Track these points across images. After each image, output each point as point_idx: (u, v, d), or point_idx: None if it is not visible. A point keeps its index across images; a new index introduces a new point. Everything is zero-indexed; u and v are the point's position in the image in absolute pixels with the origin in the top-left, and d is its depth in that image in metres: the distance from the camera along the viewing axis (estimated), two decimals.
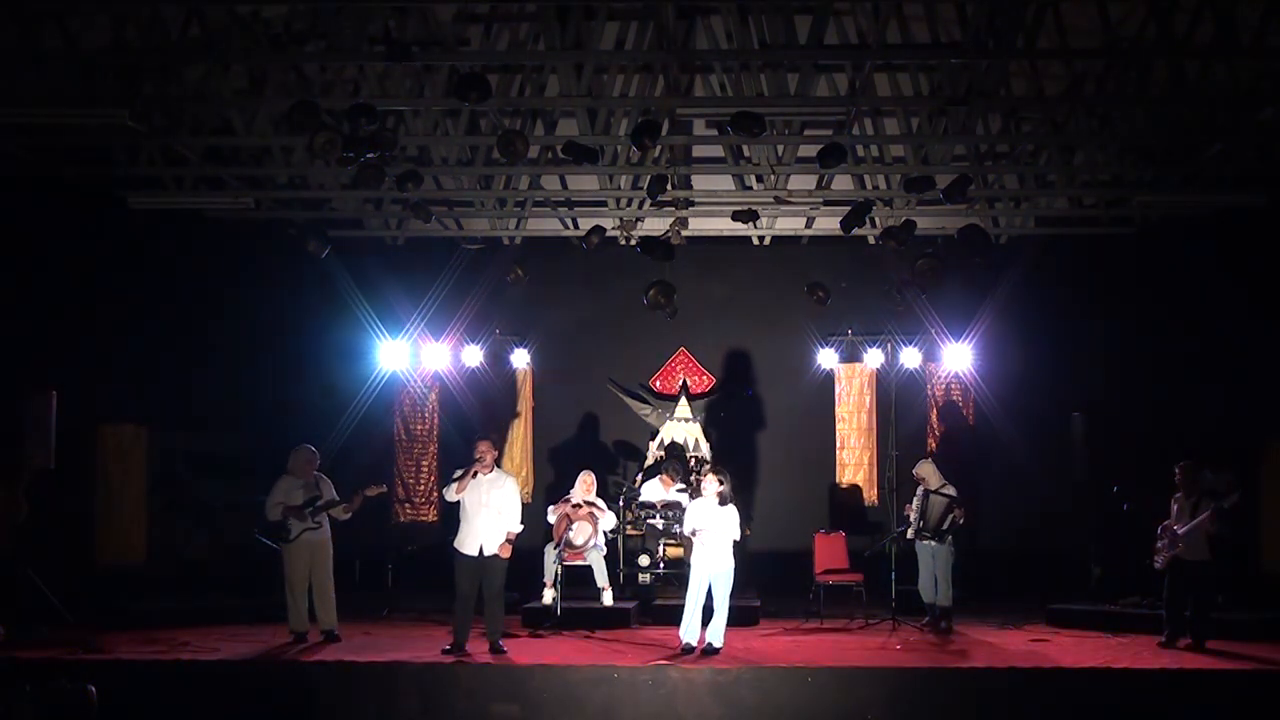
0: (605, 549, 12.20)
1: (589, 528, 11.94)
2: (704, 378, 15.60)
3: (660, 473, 13.25)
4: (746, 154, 12.99)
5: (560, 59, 10.89)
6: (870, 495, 15.21)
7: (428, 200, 13.02)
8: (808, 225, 14.81)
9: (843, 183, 13.41)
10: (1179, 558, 10.64)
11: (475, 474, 10.14)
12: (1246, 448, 13.05)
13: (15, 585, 11.14)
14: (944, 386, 15.28)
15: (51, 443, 11.58)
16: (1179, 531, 10.63)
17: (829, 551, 12.57)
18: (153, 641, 10.72)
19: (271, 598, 11.57)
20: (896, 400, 14.69)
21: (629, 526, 13.01)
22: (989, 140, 12.63)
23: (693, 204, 13.61)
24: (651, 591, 12.58)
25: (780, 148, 12.55)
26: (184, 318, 13.99)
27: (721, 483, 10.27)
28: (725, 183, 13.68)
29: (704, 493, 10.41)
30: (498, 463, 10.47)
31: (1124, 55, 10.77)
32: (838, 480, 15.32)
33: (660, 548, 12.74)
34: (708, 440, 14.38)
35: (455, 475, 10.25)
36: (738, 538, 10.31)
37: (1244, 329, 13.39)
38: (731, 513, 10.24)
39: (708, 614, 10.18)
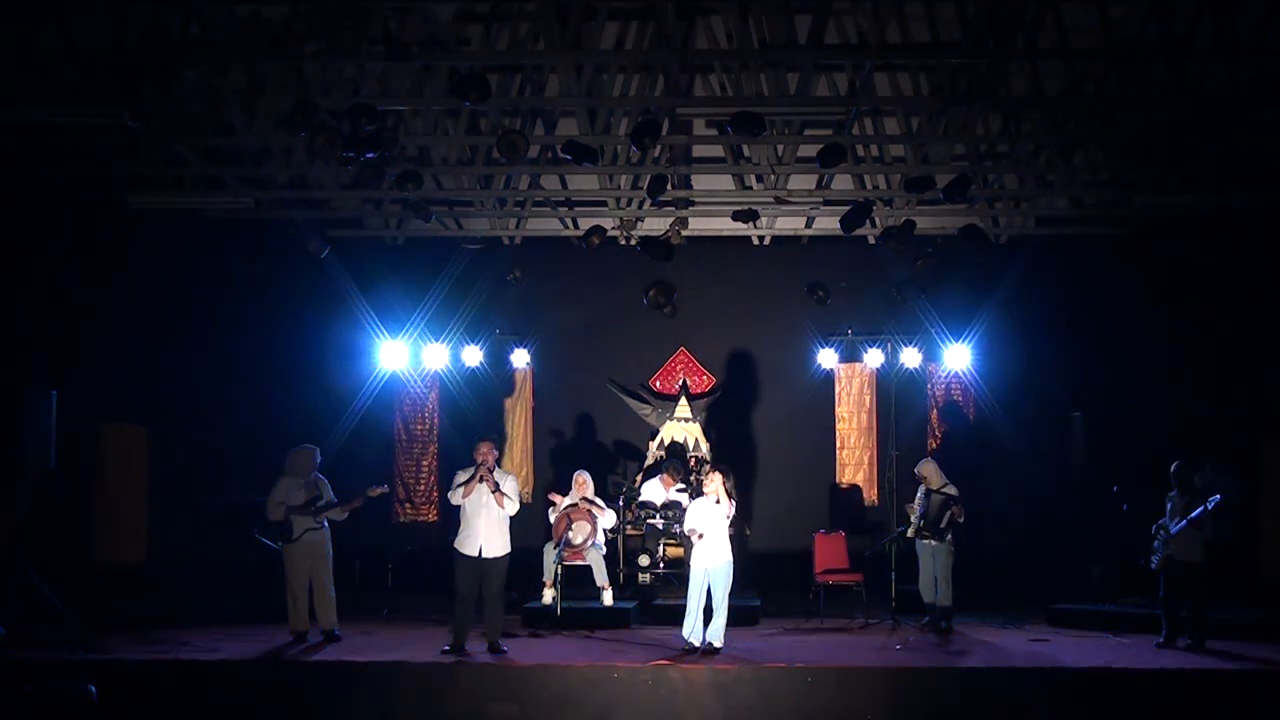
0: (605, 549, 12.20)
1: (588, 527, 11.93)
2: (704, 378, 15.60)
3: (660, 473, 13.26)
4: (746, 154, 12.99)
5: (560, 59, 10.89)
6: (870, 495, 15.22)
7: (428, 200, 13.01)
8: (808, 225, 14.80)
9: (843, 183, 13.41)
10: (1172, 558, 10.65)
11: (481, 479, 10.12)
12: (1246, 447, 13.05)
13: (15, 585, 11.13)
14: (944, 386, 15.29)
15: (51, 443, 11.58)
16: (1172, 531, 10.64)
17: (829, 551, 12.57)
18: (153, 641, 10.72)
19: (271, 598, 11.57)
20: (896, 400, 14.68)
21: (629, 526, 13.02)
22: (989, 140, 12.63)
23: (693, 204, 13.61)
24: (651, 591, 12.58)
25: (780, 148, 12.55)
26: (184, 318, 13.99)
27: (725, 481, 10.26)
28: (725, 183, 13.68)
29: (705, 491, 10.41)
30: (498, 462, 10.46)
31: (1124, 55, 10.77)
32: (838, 480, 15.32)
33: (660, 548, 12.76)
34: (708, 440, 14.38)
35: (461, 480, 10.23)
36: (729, 514, 10.23)
37: (1243, 329, 13.39)
38: (725, 508, 10.21)
39: (708, 614, 10.18)
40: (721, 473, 10.39)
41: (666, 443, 14.27)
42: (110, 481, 13.72)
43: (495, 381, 15.29)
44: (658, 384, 15.58)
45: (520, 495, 10.70)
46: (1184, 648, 10.48)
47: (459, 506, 10.27)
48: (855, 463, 15.34)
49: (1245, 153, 11.98)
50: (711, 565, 10.14)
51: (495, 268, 14.55)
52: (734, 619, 10.42)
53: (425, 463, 15.48)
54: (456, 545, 10.24)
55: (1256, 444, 13.21)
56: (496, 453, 10.41)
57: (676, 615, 10.51)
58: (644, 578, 12.71)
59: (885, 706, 9.22)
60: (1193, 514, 10.47)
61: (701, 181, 13.59)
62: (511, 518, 10.39)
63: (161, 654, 10.15)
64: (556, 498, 12.26)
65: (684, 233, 13.60)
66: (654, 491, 13.05)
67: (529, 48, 11.16)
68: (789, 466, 15.31)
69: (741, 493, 13.79)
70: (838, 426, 15.36)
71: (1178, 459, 10.84)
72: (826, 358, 14.90)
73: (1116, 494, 12.42)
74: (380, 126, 10.61)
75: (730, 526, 10.34)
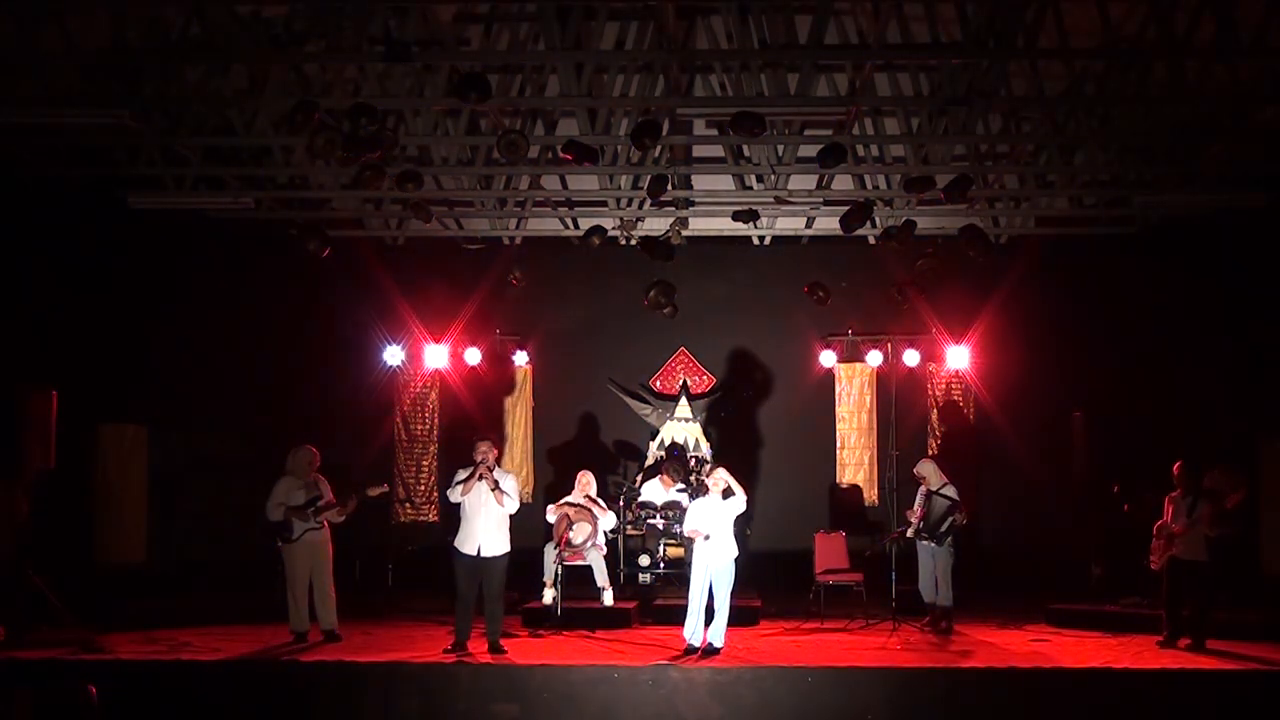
0: (605, 549, 12.20)
1: (589, 527, 11.92)
2: (704, 378, 15.60)
3: (660, 473, 13.26)
4: (746, 154, 12.99)
5: (560, 59, 10.89)
6: (870, 495, 15.22)
7: (428, 200, 13.01)
8: (808, 225, 14.81)
9: (843, 183, 13.41)
10: (1176, 557, 10.64)
11: (481, 477, 10.11)
12: (1246, 447, 13.04)
13: (15, 585, 11.13)
14: (944, 386, 15.30)
15: (51, 443, 11.57)
16: (1175, 531, 10.64)
17: (829, 551, 12.56)
18: (153, 641, 10.71)
19: (271, 598, 11.56)
20: (896, 400, 14.68)
21: (629, 526, 13.01)
22: (989, 140, 12.63)
23: (693, 204, 13.61)
24: (652, 591, 12.58)
25: (780, 148, 12.55)
26: (184, 318, 13.98)
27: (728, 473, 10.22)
28: (725, 183, 13.68)
29: (709, 490, 10.39)
30: (498, 461, 10.45)
31: (1124, 55, 10.77)
32: (838, 480, 15.33)
33: (660, 548, 12.76)
34: (708, 440, 14.38)
35: (460, 478, 10.22)
36: (741, 507, 10.19)
37: (1244, 329, 13.39)
38: (734, 505, 10.17)
39: (709, 615, 10.18)
40: (722, 467, 10.35)
41: (666, 443, 14.26)
42: (110, 481, 13.70)
43: (495, 381, 15.29)
44: (658, 384, 15.59)
45: (520, 495, 10.69)
46: (1184, 648, 10.47)
47: (459, 505, 10.26)
48: (855, 463, 15.34)
49: (1245, 153, 11.98)
50: (714, 564, 10.13)
51: (495, 268, 14.55)
52: (734, 619, 10.40)
53: (425, 463, 15.48)
54: (456, 544, 10.23)
55: (1257, 444, 13.19)
56: (496, 451, 10.41)
57: (677, 615, 10.51)
58: (644, 578, 12.71)
59: (885, 706, 9.22)
60: (1200, 513, 10.48)
61: (701, 181, 13.60)
62: (511, 517, 10.39)
63: (161, 654, 10.14)
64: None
65: (684, 233, 13.61)
66: (654, 491, 13.05)
67: (529, 48, 11.17)
68: (789, 466, 15.31)
69: None
70: (838, 426, 15.36)
71: (1180, 459, 10.84)
72: (826, 358, 14.90)
73: (1116, 494, 12.42)
74: (380, 126, 10.61)
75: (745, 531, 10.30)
